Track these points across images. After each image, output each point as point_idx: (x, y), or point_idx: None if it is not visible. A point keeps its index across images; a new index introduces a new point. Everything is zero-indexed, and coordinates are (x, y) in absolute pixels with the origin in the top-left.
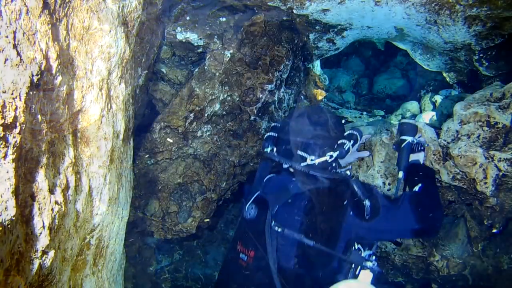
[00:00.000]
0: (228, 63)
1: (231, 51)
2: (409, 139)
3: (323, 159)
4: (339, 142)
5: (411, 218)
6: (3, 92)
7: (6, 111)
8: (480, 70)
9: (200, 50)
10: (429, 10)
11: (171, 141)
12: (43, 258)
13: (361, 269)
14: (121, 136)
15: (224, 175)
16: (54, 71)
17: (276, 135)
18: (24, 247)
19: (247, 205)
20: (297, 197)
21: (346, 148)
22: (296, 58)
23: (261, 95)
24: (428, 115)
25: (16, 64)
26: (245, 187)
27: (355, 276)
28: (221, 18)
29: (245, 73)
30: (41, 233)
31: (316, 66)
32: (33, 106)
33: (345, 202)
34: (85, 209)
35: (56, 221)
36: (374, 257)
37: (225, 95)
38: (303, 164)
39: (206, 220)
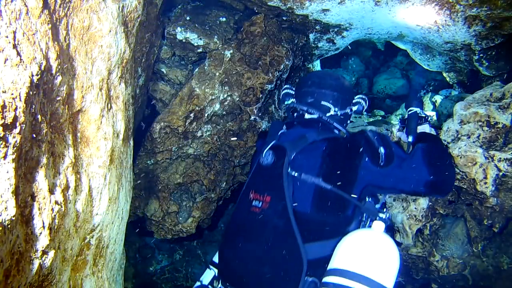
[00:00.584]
0: (228, 63)
1: (231, 51)
2: (416, 109)
3: (344, 111)
4: (354, 101)
5: (424, 168)
6: (3, 92)
7: (6, 111)
8: (480, 70)
9: (200, 50)
10: (429, 10)
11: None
12: (43, 258)
13: (372, 221)
14: (121, 136)
15: (224, 175)
16: (54, 71)
17: (293, 92)
18: (24, 247)
19: (265, 151)
20: (315, 145)
21: (362, 105)
22: (296, 58)
23: (261, 95)
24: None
25: (16, 64)
26: (258, 142)
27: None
28: (221, 18)
29: (245, 73)
30: (41, 233)
31: (316, 66)
32: (33, 106)
33: (360, 149)
34: (85, 209)
35: (56, 221)
36: (385, 209)
37: (225, 95)
38: (327, 114)
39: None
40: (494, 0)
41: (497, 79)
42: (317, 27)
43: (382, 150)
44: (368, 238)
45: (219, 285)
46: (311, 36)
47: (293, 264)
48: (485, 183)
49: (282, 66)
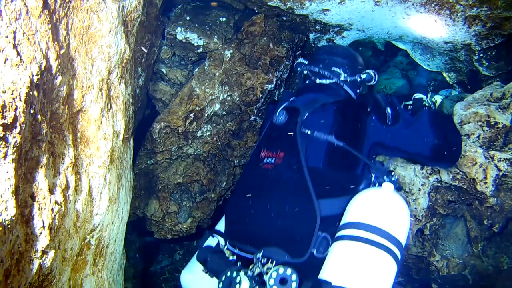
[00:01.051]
0: (228, 63)
1: (231, 51)
2: (422, 96)
3: (354, 78)
4: (364, 71)
5: (430, 130)
6: (3, 92)
7: (6, 111)
8: (480, 70)
9: (200, 50)
10: (429, 10)
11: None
12: (43, 258)
13: (380, 184)
14: (121, 136)
15: (224, 175)
16: (54, 71)
17: (306, 61)
18: (24, 247)
19: (278, 110)
20: (326, 106)
21: (371, 75)
22: (296, 58)
23: (261, 95)
24: None
25: (16, 64)
26: (269, 106)
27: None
28: (221, 18)
29: (245, 73)
30: (41, 233)
31: None
32: (33, 106)
33: (369, 109)
34: (85, 209)
35: (56, 221)
36: (393, 172)
37: (225, 95)
38: (338, 79)
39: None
40: (494, 0)
41: (497, 79)
42: (317, 27)
43: (389, 110)
44: (380, 194)
45: (226, 246)
46: (311, 36)
47: (306, 218)
48: (485, 183)
49: (282, 66)
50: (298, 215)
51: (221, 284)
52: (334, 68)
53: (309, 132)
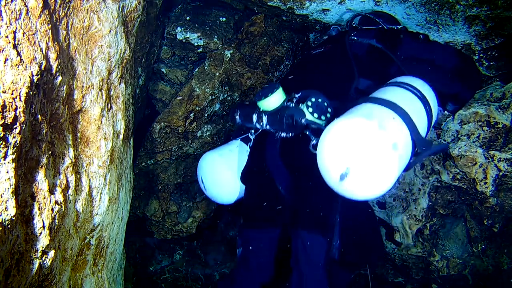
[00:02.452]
0: (228, 63)
1: (231, 51)
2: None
3: (392, 26)
4: (400, 25)
5: (456, 55)
6: (3, 92)
7: (6, 111)
8: (480, 70)
9: (200, 50)
10: (429, 10)
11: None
12: (43, 258)
13: None
14: (121, 136)
15: None
16: (54, 71)
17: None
18: (24, 247)
19: (332, 27)
20: (364, 31)
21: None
22: (296, 58)
23: None
24: None
25: (16, 64)
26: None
27: None
28: (221, 18)
29: (245, 73)
30: (41, 233)
31: None
32: (33, 106)
33: (402, 36)
34: (85, 209)
35: (56, 221)
36: None
37: (225, 95)
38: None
39: None
40: (494, 0)
41: (497, 79)
42: (317, 27)
43: (421, 36)
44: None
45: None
46: (311, 36)
47: (345, 75)
48: (485, 183)
49: (282, 66)
50: (338, 72)
51: (259, 94)
52: (376, 19)
53: (354, 38)
